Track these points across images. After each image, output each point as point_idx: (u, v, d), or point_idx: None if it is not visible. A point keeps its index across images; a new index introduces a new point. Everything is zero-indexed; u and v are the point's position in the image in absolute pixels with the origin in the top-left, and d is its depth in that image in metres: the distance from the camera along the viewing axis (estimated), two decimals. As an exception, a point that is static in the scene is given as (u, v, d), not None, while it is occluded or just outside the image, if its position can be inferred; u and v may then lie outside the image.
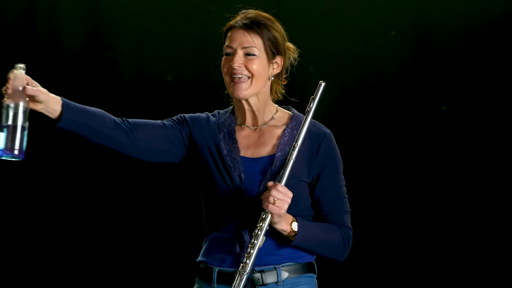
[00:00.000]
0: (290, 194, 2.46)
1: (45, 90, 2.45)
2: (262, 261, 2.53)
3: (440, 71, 4.89)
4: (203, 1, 5.00)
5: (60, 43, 5.00)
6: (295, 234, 2.51)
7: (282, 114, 2.68)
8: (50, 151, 4.97)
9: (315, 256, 2.65)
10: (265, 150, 2.61)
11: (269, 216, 2.45)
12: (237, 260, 2.53)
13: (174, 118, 2.75)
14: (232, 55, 2.60)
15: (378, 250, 4.89)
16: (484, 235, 4.84)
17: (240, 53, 2.58)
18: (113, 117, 2.62)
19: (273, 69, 2.64)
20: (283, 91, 2.72)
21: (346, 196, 2.64)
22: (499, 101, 4.85)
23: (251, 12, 2.64)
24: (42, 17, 4.99)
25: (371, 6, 4.94)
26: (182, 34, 5.02)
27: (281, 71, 2.68)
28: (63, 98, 2.50)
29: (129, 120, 2.67)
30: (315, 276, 2.64)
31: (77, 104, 2.57)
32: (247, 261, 2.44)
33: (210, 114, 2.73)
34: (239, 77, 2.58)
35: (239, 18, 2.63)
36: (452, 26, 4.88)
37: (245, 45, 2.59)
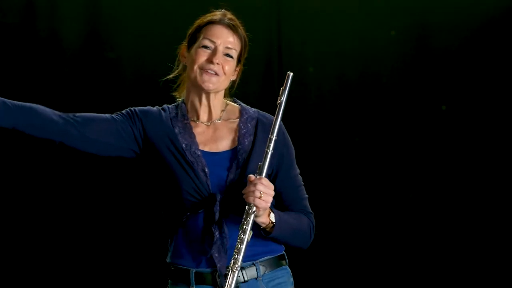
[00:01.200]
0: (273, 187, 2.46)
1: None
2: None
3: (440, 71, 4.89)
4: (203, 1, 5.00)
5: (60, 43, 5.00)
6: (273, 226, 2.51)
7: (232, 108, 2.70)
8: (50, 151, 4.98)
9: (284, 247, 2.66)
10: (224, 144, 2.62)
11: (255, 209, 2.44)
12: (211, 258, 2.52)
13: (123, 112, 2.70)
14: (211, 50, 2.61)
15: (378, 250, 4.89)
16: (484, 235, 4.84)
17: (221, 50, 2.61)
18: (57, 112, 2.61)
19: (233, 75, 2.68)
20: (229, 95, 2.75)
21: (301, 182, 2.66)
22: (499, 101, 4.85)
23: (229, 13, 2.70)
24: (42, 16, 4.99)
25: (371, 6, 4.94)
26: (182, 34, 5.01)
27: (236, 79, 2.71)
28: None
29: (76, 114, 2.65)
30: (288, 267, 2.67)
31: (14, 102, 2.51)
32: (237, 256, 2.43)
33: (160, 108, 2.73)
34: (212, 73, 2.59)
35: (220, 16, 2.68)
36: (452, 26, 4.88)
37: (229, 46, 2.62)
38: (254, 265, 2.55)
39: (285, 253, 2.66)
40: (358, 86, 4.95)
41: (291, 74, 2.55)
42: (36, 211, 4.96)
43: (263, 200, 2.43)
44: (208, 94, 2.63)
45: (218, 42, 2.61)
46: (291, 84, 2.55)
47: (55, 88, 4.99)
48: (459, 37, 4.88)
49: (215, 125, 2.65)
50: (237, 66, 2.66)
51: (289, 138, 2.66)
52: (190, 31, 2.68)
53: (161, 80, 2.72)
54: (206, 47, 2.62)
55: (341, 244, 4.82)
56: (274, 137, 2.49)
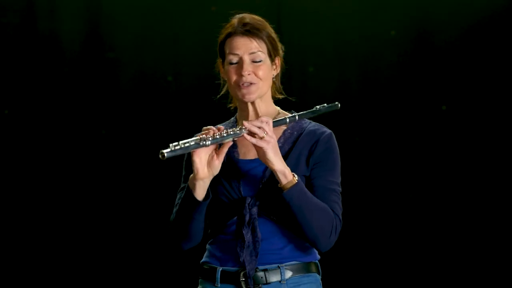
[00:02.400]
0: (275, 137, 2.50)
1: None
2: (265, 260, 2.54)
3: (440, 71, 4.89)
4: (204, 1, 5.00)
5: (60, 43, 5.00)
6: (293, 186, 2.49)
7: (284, 116, 2.68)
8: (52, 151, 4.97)
9: (318, 256, 2.64)
10: None
11: (240, 133, 2.46)
12: (239, 259, 2.54)
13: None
14: (238, 63, 2.61)
15: (378, 250, 4.89)
16: (484, 235, 4.84)
17: (247, 60, 2.60)
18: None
19: (274, 70, 2.67)
20: (281, 90, 2.74)
21: (338, 192, 2.61)
22: (499, 101, 4.85)
23: (246, 17, 2.65)
24: (42, 17, 4.99)
25: (371, 6, 4.94)
26: (182, 34, 5.02)
27: (279, 71, 2.71)
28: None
29: None
30: (319, 276, 2.64)
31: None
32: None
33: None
34: (247, 84, 2.60)
35: (236, 24, 2.63)
36: (452, 26, 4.88)
37: (252, 51, 2.60)
38: (279, 268, 2.54)
39: (318, 263, 2.63)
40: (358, 86, 4.95)
41: (339, 105, 2.65)
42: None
43: (265, 141, 2.45)
44: (252, 102, 2.65)
45: (241, 52, 2.60)
46: (328, 109, 2.63)
47: (55, 88, 4.99)
48: (460, 37, 4.88)
49: None
50: (274, 60, 2.66)
51: (336, 150, 2.63)
52: (217, 47, 2.67)
53: (214, 97, 2.73)
54: (232, 62, 2.62)
55: (342, 244, 4.81)
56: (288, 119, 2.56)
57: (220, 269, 2.58)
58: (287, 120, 2.58)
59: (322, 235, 2.53)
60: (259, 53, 2.61)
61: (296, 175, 2.50)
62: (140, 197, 4.96)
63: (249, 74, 2.59)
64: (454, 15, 4.89)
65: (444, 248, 4.86)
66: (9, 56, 4.94)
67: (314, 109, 2.62)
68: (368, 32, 4.93)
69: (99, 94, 4.98)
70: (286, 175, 2.49)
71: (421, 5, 4.91)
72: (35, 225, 4.96)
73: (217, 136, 2.46)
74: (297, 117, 2.59)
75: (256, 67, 2.60)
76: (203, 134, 2.48)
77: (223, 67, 2.67)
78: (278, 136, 2.63)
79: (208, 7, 4.99)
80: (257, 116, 2.66)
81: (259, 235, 2.54)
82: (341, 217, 2.59)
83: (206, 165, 2.50)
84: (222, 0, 4.97)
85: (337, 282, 4.79)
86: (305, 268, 2.58)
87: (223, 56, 2.66)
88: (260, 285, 2.53)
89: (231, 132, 2.47)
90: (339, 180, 2.63)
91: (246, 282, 2.53)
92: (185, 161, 2.70)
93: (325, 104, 2.64)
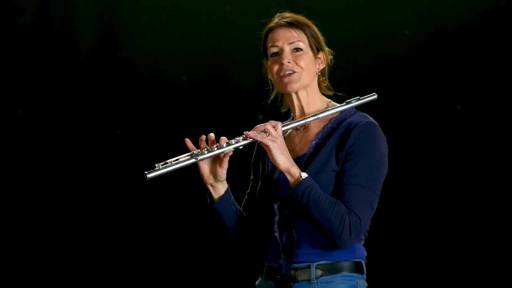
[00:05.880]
0: (283, 140, 2.51)
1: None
2: (298, 259, 2.53)
3: (454, 70, 4.87)
4: (217, 0, 5.01)
5: (74, 43, 5.02)
6: (298, 184, 2.47)
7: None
8: (66, 150, 4.99)
9: (362, 254, 2.61)
10: (303, 149, 2.63)
11: (244, 142, 2.49)
12: (276, 256, 2.55)
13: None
14: (279, 54, 2.61)
15: (387, 250, 4.88)
16: (496, 235, 4.82)
17: (287, 49, 2.61)
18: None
19: (319, 64, 2.67)
20: (329, 86, 2.73)
21: (365, 186, 2.51)
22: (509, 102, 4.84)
23: (287, 14, 2.67)
24: (56, 17, 5.01)
25: (385, 5, 4.92)
26: (196, 33, 5.03)
27: (325, 67, 2.70)
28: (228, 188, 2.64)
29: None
30: (358, 276, 2.59)
31: (232, 198, 2.67)
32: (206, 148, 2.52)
33: None
34: (289, 73, 2.59)
35: (277, 20, 2.65)
36: (467, 25, 4.87)
37: (291, 40, 2.61)
38: (310, 267, 2.53)
39: (361, 262, 2.60)
40: (371, 85, 4.94)
41: (375, 96, 2.69)
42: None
43: (270, 140, 2.47)
44: (296, 94, 2.63)
45: (280, 43, 2.61)
46: (367, 101, 2.69)
47: (69, 87, 5.00)
48: (474, 36, 4.86)
49: (307, 128, 2.66)
50: (318, 54, 2.65)
51: (374, 141, 2.58)
52: (261, 49, 2.69)
53: (264, 102, 2.73)
54: (273, 54, 2.63)
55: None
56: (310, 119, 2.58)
57: (266, 264, 2.60)
58: (306, 120, 2.59)
59: (332, 233, 2.48)
60: (299, 42, 2.61)
61: (304, 173, 2.48)
62: (154, 196, 4.96)
63: (289, 62, 2.59)
64: (469, 15, 4.87)
65: (453, 250, 4.85)
66: (24, 56, 4.96)
67: (344, 103, 2.63)
68: (381, 32, 4.92)
69: (113, 94, 4.99)
70: (291, 173, 2.48)
71: (436, 5, 4.89)
72: (49, 224, 4.98)
73: (215, 149, 2.49)
74: (322, 115, 2.59)
75: (296, 56, 2.60)
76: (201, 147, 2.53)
77: (268, 66, 2.67)
78: (317, 132, 2.61)
79: (221, 7, 4.99)
80: (300, 109, 2.65)
81: (295, 236, 2.53)
82: (362, 213, 2.49)
83: (210, 173, 2.57)
84: (235, 0, 4.97)
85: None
86: (338, 268, 2.55)
87: (266, 55, 2.67)
88: (291, 283, 2.52)
89: (233, 142, 2.49)
90: (370, 173, 2.53)
91: (279, 279, 2.54)
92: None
93: (358, 97, 2.64)
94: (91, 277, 4.99)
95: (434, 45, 4.89)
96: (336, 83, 2.68)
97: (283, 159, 2.48)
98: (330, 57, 2.71)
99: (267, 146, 2.48)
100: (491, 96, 4.84)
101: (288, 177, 2.49)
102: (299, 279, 2.52)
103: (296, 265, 2.53)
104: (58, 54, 4.99)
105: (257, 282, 2.65)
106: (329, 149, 2.55)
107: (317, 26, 2.70)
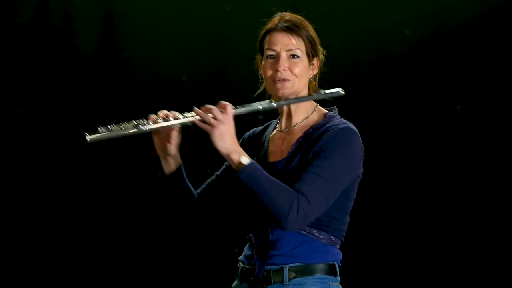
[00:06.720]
0: (231, 124, 2.49)
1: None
2: (271, 261, 2.54)
3: (454, 70, 4.87)
4: (217, 1, 5.01)
5: (74, 43, 5.02)
6: (242, 168, 2.45)
7: (318, 114, 2.67)
8: (66, 150, 4.99)
9: (337, 257, 2.63)
10: (283, 153, 2.62)
11: (191, 119, 2.50)
12: (250, 257, 2.58)
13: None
14: (275, 58, 2.62)
15: (384, 251, 4.88)
16: (496, 235, 4.82)
17: (284, 55, 2.61)
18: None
19: (312, 70, 2.67)
20: (316, 89, 2.71)
21: (322, 177, 2.47)
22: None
23: (287, 15, 2.66)
24: (56, 17, 5.01)
25: (385, 5, 4.93)
26: (196, 33, 5.03)
27: (317, 72, 2.70)
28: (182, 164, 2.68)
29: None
30: (331, 278, 2.60)
31: (183, 175, 2.69)
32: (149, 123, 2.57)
33: (261, 127, 2.79)
34: (283, 79, 2.60)
35: (277, 21, 2.64)
36: (468, 25, 4.87)
37: (289, 48, 2.61)
38: (283, 269, 2.54)
39: (333, 264, 2.60)
40: (372, 86, 4.94)
41: (343, 92, 2.66)
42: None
43: (212, 125, 2.46)
44: (286, 98, 2.64)
45: (278, 48, 2.61)
46: (332, 96, 2.66)
47: (70, 87, 5.01)
48: (475, 36, 4.87)
49: (291, 131, 2.66)
50: (312, 60, 2.66)
51: (343, 144, 2.52)
52: (257, 44, 2.68)
53: (251, 95, 2.73)
54: (269, 57, 2.63)
55: (343, 244, 4.81)
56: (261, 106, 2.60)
57: (241, 266, 2.62)
58: (260, 106, 2.60)
59: (279, 214, 2.43)
60: (297, 50, 2.61)
61: (245, 158, 2.45)
62: (153, 197, 4.97)
63: (284, 70, 2.59)
64: (469, 15, 4.87)
65: (453, 250, 4.85)
66: (24, 56, 4.96)
67: (313, 94, 2.64)
68: (381, 31, 4.92)
69: (113, 94, 4.99)
70: (232, 159, 2.46)
71: (435, 4, 4.89)
72: (48, 224, 4.98)
73: (161, 121, 2.52)
74: (276, 104, 2.60)
75: (292, 63, 2.60)
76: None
77: (261, 63, 2.67)
78: (299, 136, 2.62)
79: (221, 7, 4.99)
80: (288, 115, 2.66)
81: (271, 237, 2.54)
82: (312, 198, 2.44)
83: (161, 145, 2.62)
84: (236, 0, 4.98)
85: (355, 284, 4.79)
86: (311, 270, 2.56)
87: (262, 52, 2.67)
88: (265, 285, 2.54)
89: (181, 117, 2.51)
90: (335, 171, 2.49)
91: (253, 281, 2.56)
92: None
93: (325, 91, 2.64)
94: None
95: (434, 45, 4.90)
96: (336, 83, 2.67)
97: (222, 145, 2.46)
98: (322, 56, 2.70)
99: (207, 130, 2.47)
100: (491, 96, 4.84)
101: (230, 162, 2.48)
102: (272, 281, 2.53)
103: (269, 267, 2.54)
104: (58, 54, 4.99)
105: (233, 284, 2.66)
106: (306, 152, 2.54)
107: (317, 26, 2.69)
